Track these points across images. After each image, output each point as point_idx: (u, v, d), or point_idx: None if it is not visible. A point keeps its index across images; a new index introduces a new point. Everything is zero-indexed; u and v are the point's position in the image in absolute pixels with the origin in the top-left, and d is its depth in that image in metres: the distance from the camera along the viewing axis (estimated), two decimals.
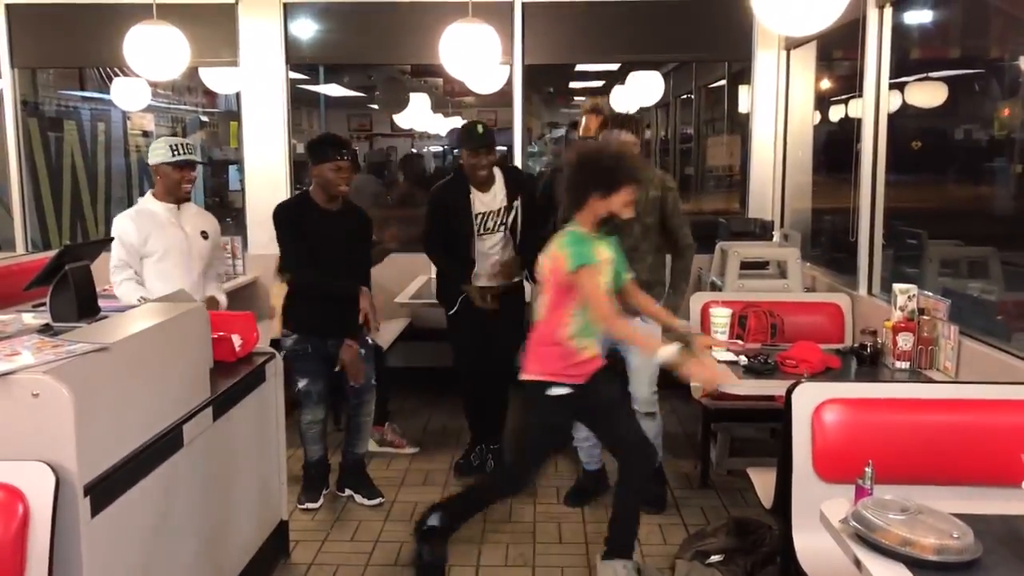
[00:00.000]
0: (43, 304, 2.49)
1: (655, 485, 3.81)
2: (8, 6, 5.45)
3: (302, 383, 3.75)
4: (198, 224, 3.74)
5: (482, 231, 4.00)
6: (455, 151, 12.19)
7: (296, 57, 5.63)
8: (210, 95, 9.02)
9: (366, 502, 3.87)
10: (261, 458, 3.14)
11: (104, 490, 1.99)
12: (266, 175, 5.45)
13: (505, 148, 5.64)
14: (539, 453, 3.22)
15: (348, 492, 3.94)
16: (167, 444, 2.33)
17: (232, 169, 8.88)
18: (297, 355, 3.71)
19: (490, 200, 3.99)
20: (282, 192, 5.43)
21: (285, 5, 5.42)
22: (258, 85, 5.46)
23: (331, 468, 4.00)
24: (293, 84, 5.76)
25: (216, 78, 6.70)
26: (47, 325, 2.32)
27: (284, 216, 3.70)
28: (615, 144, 3.31)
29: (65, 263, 2.40)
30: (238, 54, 5.42)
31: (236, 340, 2.95)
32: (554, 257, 2.87)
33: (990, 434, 2.44)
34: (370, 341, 3.91)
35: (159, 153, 3.58)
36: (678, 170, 10.05)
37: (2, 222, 6.43)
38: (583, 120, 4.51)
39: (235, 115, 5.82)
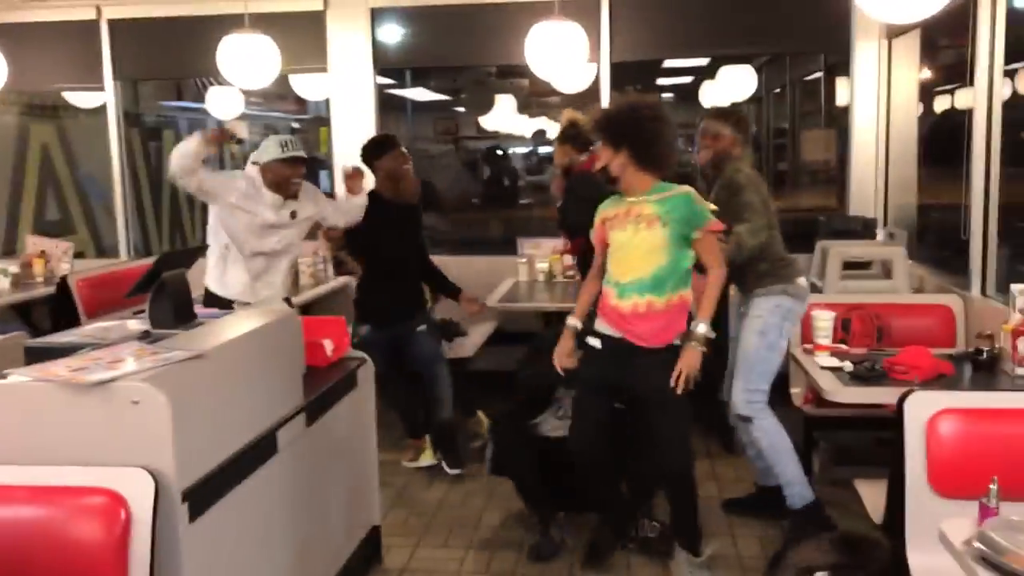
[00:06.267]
0: (143, 310, 2.55)
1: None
2: (111, 21, 5.67)
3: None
4: (292, 206, 3.68)
5: None
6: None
7: (383, 62, 5.69)
8: (300, 102, 9.21)
9: (448, 470, 4.12)
10: (354, 463, 3.15)
11: (202, 496, 2.01)
12: None
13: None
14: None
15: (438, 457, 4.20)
16: (262, 450, 2.34)
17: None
18: (370, 343, 3.92)
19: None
20: None
21: (372, 11, 5.47)
22: (347, 91, 5.53)
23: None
24: (380, 89, 5.81)
25: (306, 85, 6.81)
26: (146, 332, 2.36)
27: None
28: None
29: (162, 270, 2.45)
30: (327, 61, 5.50)
31: (328, 345, 2.96)
32: None
33: None
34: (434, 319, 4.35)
35: (270, 151, 3.55)
36: (772, 166, 9.78)
37: (106, 228, 6.71)
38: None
39: (325, 121, 5.91)
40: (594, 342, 3.01)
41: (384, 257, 4.02)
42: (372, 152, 4.14)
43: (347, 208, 4.00)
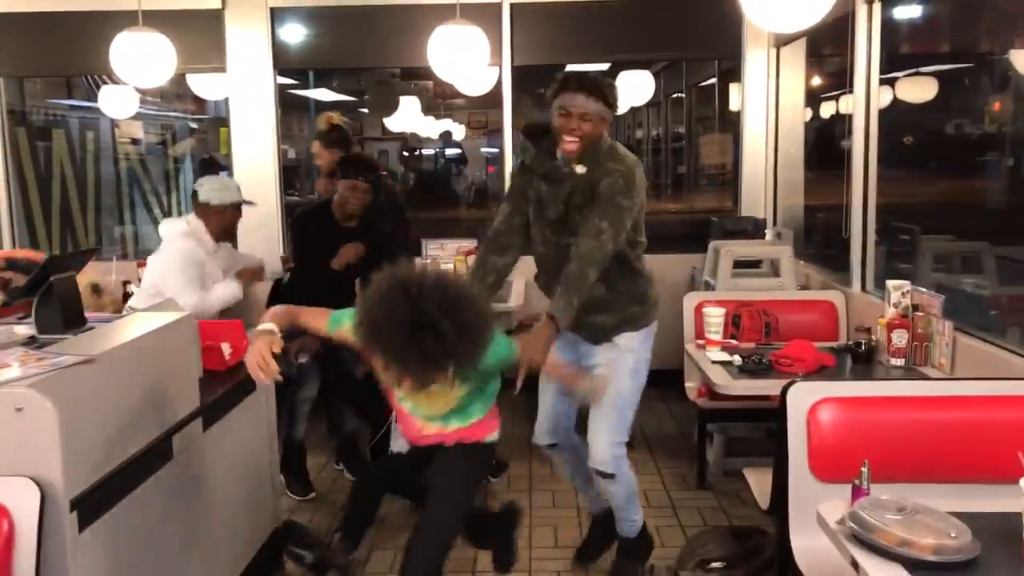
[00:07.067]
0: (28, 315, 2.47)
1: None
2: None
3: (304, 359, 3.87)
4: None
5: None
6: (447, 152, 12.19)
7: (284, 62, 5.60)
8: (199, 101, 8.98)
9: (351, 477, 4.12)
10: (254, 467, 3.11)
11: (91, 505, 1.96)
12: (256, 181, 5.42)
13: (497, 150, 5.62)
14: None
15: (340, 466, 4.24)
16: (156, 456, 2.30)
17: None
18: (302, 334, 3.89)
19: None
20: (272, 198, 5.41)
21: (272, 10, 5.39)
22: (246, 91, 5.43)
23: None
24: (282, 89, 5.74)
25: (204, 84, 6.66)
26: (32, 337, 2.29)
27: (294, 221, 4.07)
28: None
29: (50, 274, 2.38)
30: (225, 60, 5.40)
31: (226, 349, 2.92)
32: None
33: (987, 430, 2.42)
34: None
35: (229, 192, 3.59)
36: (670, 169, 10.05)
37: None
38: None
39: (224, 121, 5.79)
40: (400, 447, 2.74)
41: (314, 267, 3.90)
42: (338, 167, 4.05)
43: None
